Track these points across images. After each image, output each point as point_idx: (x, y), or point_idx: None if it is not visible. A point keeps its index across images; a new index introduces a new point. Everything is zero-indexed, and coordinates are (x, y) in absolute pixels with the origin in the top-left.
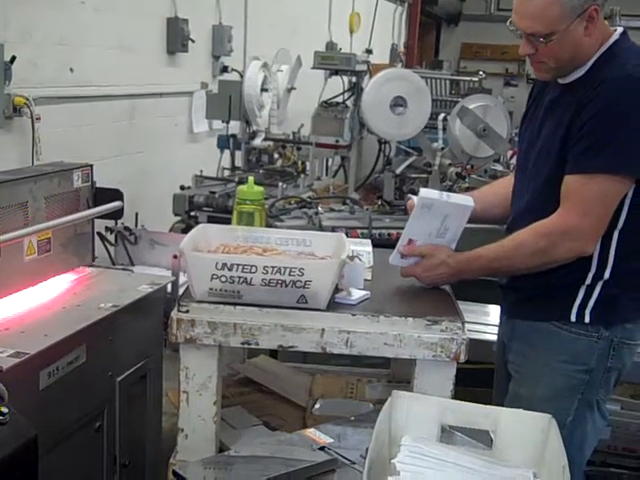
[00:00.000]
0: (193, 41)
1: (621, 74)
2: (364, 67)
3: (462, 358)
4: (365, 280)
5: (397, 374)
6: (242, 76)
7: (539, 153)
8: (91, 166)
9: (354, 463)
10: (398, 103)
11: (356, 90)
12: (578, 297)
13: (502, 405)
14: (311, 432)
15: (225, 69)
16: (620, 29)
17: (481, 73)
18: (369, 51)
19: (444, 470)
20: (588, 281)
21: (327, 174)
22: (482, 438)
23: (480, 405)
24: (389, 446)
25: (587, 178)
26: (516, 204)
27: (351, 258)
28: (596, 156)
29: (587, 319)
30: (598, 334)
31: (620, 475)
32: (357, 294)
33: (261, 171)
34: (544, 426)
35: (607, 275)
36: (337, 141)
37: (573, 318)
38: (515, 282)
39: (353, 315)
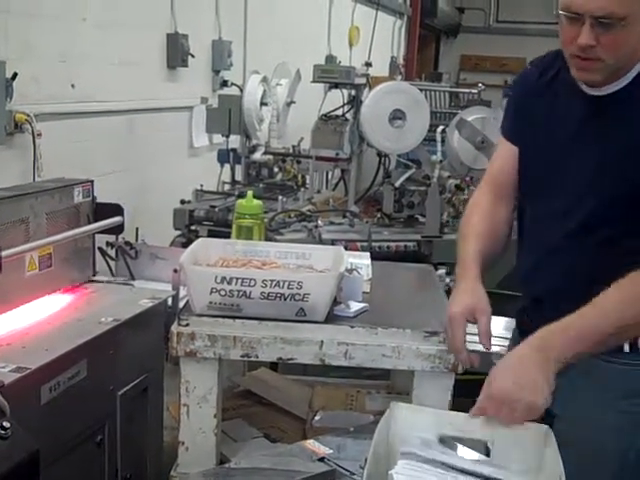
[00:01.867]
0: (193, 56)
1: None
2: (363, 80)
3: (460, 369)
4: (363, 292)
5: (397, 385)
6: (242, 90)
7: (595, 171)
8: (92, 182)
9: (353, 474)
10: (397, 116)
11: (356, 103)
12: None
13: None
14: (311, 443)
15: (225, 83)
16: None
17: (480, 85)
18: (368, 64)
19: None
20: None
21: (327, 187)
22: (480, 448)
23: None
24: (387, 457)
25: None
26: (553, 225)
27: (349, 271)
28: None
29: None
30: None
31: None
32: (355, 306)
33: (261, 185)
34: (541, 436)
35: None
36: (337, 154)
37: (626, 348)
38: (561, 315)
39: (351, 327)
